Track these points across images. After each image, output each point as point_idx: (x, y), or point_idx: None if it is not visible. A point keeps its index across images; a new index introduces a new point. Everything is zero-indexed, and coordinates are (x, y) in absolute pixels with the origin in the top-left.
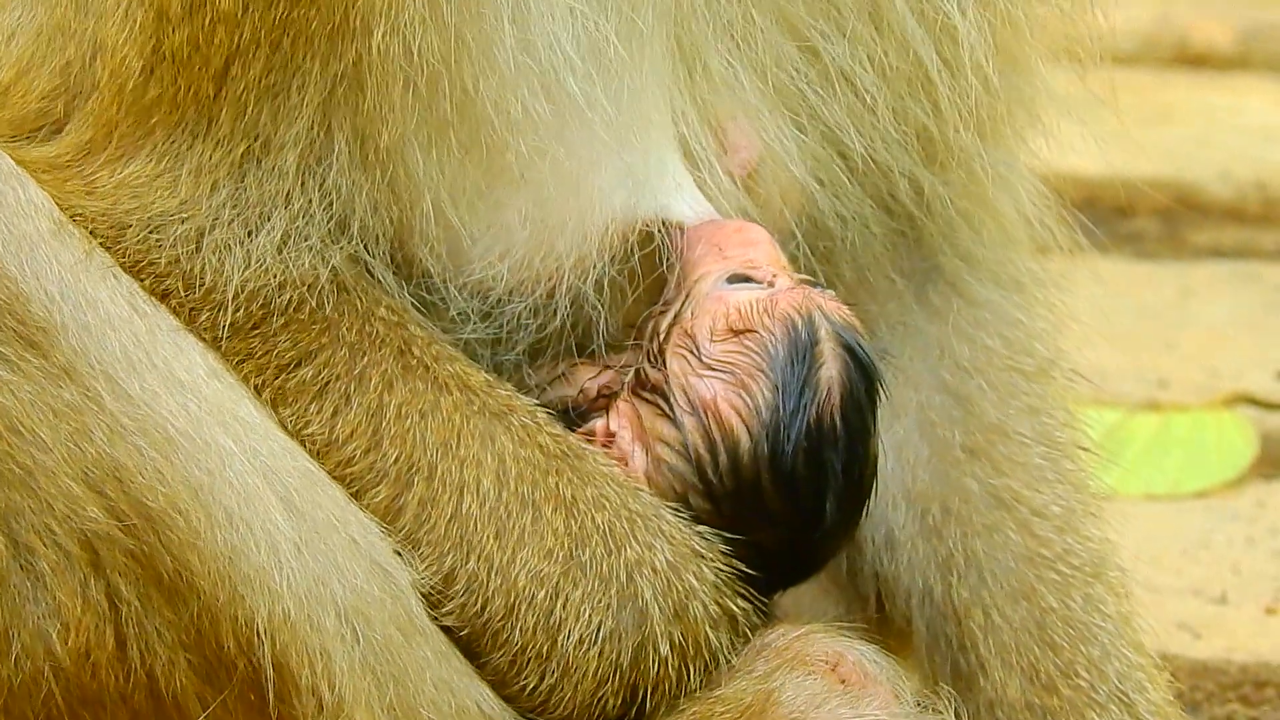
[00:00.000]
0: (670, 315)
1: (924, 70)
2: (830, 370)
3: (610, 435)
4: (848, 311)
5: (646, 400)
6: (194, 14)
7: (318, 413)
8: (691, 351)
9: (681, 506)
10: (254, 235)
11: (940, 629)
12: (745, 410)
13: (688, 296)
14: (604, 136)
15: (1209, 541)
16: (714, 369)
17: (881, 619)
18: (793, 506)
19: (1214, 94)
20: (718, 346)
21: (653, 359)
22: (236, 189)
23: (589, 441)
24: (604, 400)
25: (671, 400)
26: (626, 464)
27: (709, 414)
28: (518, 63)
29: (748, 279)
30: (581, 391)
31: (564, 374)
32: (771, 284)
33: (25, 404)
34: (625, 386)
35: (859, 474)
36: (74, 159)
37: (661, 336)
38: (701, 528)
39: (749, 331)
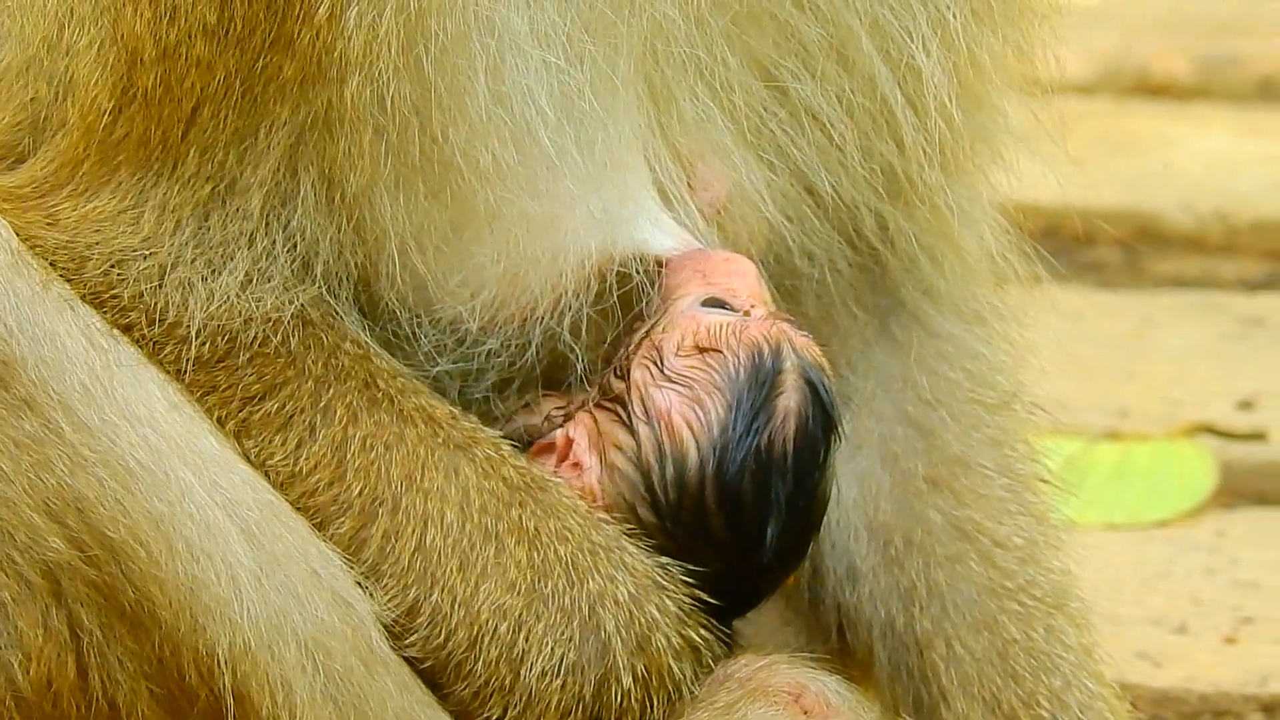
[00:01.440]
0: (643, 332)
1: (889, 109)
2: (789, 401)
3: (569, 443)
4: (818, 352)
5: (607, 409)
6: (167, 58)
7: (281, 445)
8: (655, 363)
9: (630, 518)
10: (218, 274)
11: (902, 660)
12: (697, 425)
13: (663, 315)
14: (573, 183)
15: (1169, 571)
16: (673, 381)
17: (843, 650)
18: (734, 530)
19: (1175, 124)
20: (681, 361)
21: (619, 371)
22: (200, 228)
23: (548, 451)
24: (567, 421)
25: (630, 408)
26: (581, 470)
27: (662, 424)
28: (489, 114)
29: (724, 305)
30: (547, 419)
31: (529, 403)
32: (747, 313)
33: None
34: (589, 400)
35: (804, 507)
36: (36, 191)
37: (630, 350)
38: (664, 559)
39: (714, 351)
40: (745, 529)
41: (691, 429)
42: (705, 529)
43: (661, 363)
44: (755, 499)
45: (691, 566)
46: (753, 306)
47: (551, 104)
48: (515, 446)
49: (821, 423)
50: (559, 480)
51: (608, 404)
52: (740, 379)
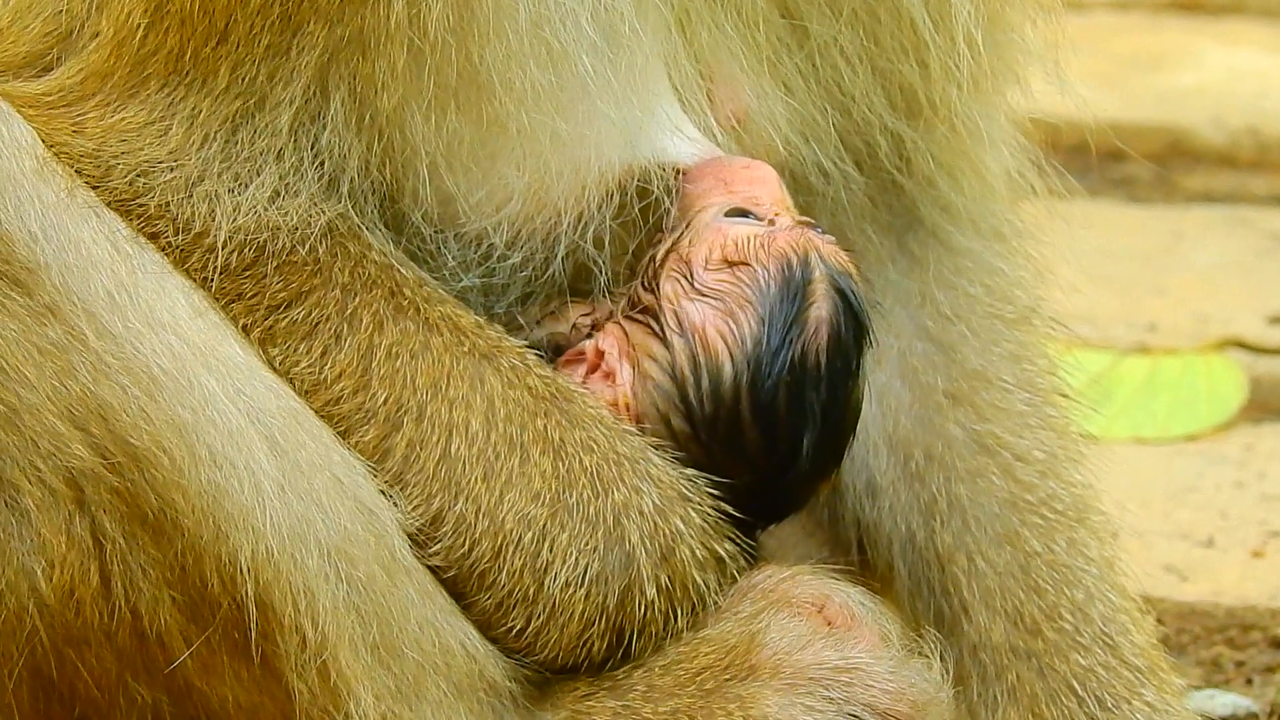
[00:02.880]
0: (668, 243)
1: (915, 33)
2: (820, 311)
3: (599, 354)
4: (845, 257)
5: (637, 321)
6: None
7: (307, 352)
8: (685, 277)
9: (662, 429)
10: (245, 187)
11: (923, 574)
12: (731, 339)
13: (687, 226)
14: (606, 103)
15: (1197, 485)
16: (705, 295)
17: (863, 564)
18: (769, 441)
19: (1208, 39)
20: (711, 275)
21: (646, 284)
22: (228, 143)
23: (578, 362)
24: (594, 331)
25: (662, 320)
26: (614, 381)
27: (696, 337)
28: (529, 36)
29: (748, 214)
30: (574, 328)
31: (555, 310)
32: (772, 222)
33: (10, 342)
34: (617, 312)
35: (839, 417)
36: (64, 99)
37: (657, 262)
38: (690, 471)
39: (743, 264)
40: (780, 440)
41: (726, 342)
42: (740, 441)
43: (691, 276)
44: (790, 411)
45: (724, 480)
46: (777, 215)
47: (594, 27)
48: (540, 355)
49: (853, 330)
50: (584, 390)
51: (638, 316)
52: (771, 292)
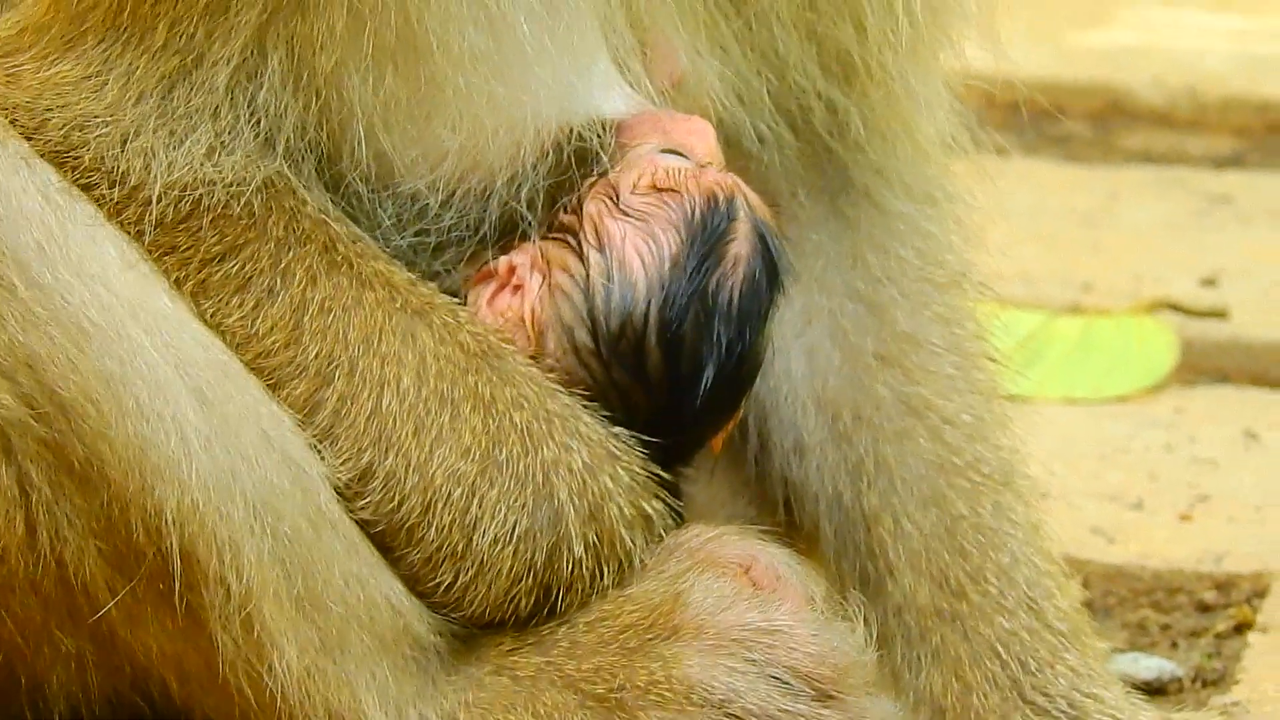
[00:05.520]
0: (596, 175)
1: None
2: (740, 249)
3: (511, 269)
4: (768, 211)
5: (555, 239)
6: None
7: (239, 306)
8: (610, 198)
9: (564, 340)
10: (180, 144)
11: (849, 535)
12: (649, 258)
13: (619, 161)
14: (543, 66)
15: (1127, 447)
16: (629, 215)
17: (790, 524)
18: (671, 366)
19: None
20: (637, 198)
21: (569, 208)
22: (163, 100)
23: (487, 278)
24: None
25: (581, 237)
26: (522, 292)
27: (614, 253)
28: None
29: (681, 156)
30: (490, 260)
31: (473, 255)
32: (703, 166)
33: None
34: (534, 237)
35: (742, 356)
36: None
37: (582, 190)
38: (618, 430)
39: (671, 191)
40: (683, 367)
41: (643, 261)
42: (642, 363)
43: (618, 198)
44: (695, 338)
45: (623, 411)
46: (709, 163)
47: None
48: (458, 301)
49: (767, 275)
50: (515, 349)
51: (556, 235)
52: (695, 220)
